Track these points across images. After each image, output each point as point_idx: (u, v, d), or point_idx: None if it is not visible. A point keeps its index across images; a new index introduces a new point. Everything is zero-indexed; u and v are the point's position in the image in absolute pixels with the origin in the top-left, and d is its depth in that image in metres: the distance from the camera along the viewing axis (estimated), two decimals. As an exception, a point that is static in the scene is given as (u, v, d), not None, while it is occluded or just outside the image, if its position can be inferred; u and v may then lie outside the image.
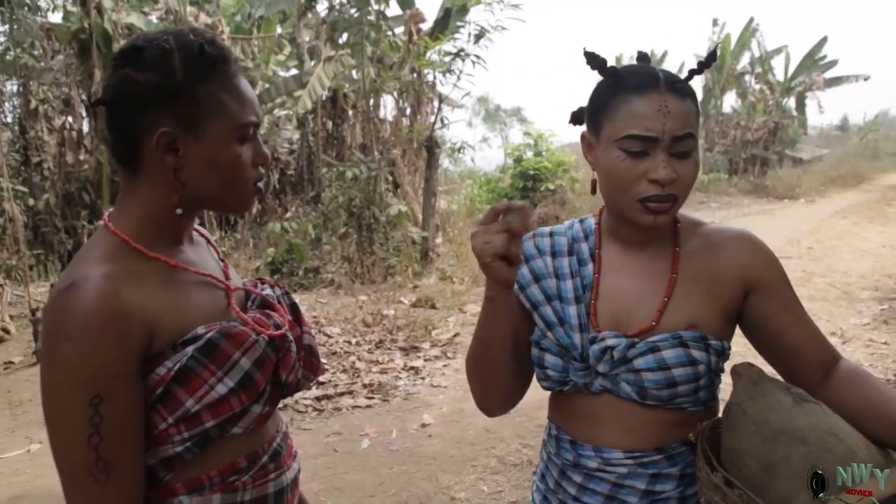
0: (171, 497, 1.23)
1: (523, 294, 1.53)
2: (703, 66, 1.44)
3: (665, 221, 1.40)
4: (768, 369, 1.43)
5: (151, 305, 1.17)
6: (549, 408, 1.62)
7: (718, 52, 1.44)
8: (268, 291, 1.46)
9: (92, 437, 1.10)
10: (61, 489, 1.14)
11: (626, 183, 1.38)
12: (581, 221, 1.60)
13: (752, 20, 23.57)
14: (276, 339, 1.31)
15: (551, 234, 1.58)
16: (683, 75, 1.44)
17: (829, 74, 24.20)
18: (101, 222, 1.27)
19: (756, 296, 1.45)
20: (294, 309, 1.46)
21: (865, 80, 24.05)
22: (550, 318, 1.48)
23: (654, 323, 1.42)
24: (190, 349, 1.19)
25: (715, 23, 24.57)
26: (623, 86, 1.39)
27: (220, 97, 1.23)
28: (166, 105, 1.20)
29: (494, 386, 1.52)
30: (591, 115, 1.46)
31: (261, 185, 1.34)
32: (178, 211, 1.26)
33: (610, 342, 1.41)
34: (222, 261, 1.44)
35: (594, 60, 1.44)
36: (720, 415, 1.49)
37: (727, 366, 1.46)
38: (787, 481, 1.21)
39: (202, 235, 1.46)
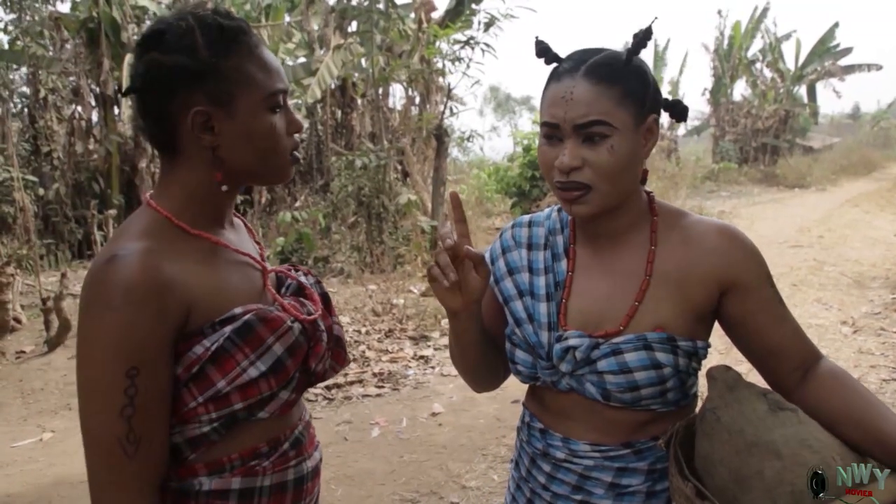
0: (191, 477, 1.24)
1: (497, 287, 1.52)
2: (637, 46, 1.35)
3: (583, 212, 1.36)
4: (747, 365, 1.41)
5: (191, 282, 1.19)
6: (527, 395, 1.61)
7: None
8: (302, 279, 1.46)
9: (125, 408, 1.11)
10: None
11: (544, 168, 1.38)
12: (559, 210, 1.55)
13: (756, 8, 23.49)
14: (308, 327, 1.31)
15: (530, 224, 1.56)
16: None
17: (842, 63, 24.02)
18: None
19: (733, 295, 1.39)
20: (325, 298, 1.46)
21: (878, 69, 23.86)
22: (520, 315, 1.46)
23: (621, 327, 1.38)
24: (227, 330, 1.19)
25: (720, 13, 24.57)
26: (553, 73, 1.37)
27: (247, 69, 1.23)
28: (196, 84, 1.21)
29: (475, 375, 1.56)
30: None
31: (297, 153, 1.34)
32: (224, 188, 1.27)
33: (572, 342, 1.38)
34: (258, 243, 1.45)
35: (538, 47, 1.42)
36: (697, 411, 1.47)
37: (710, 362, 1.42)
38: (759, 496, 1.19)
39: (239, 219, 1.47)
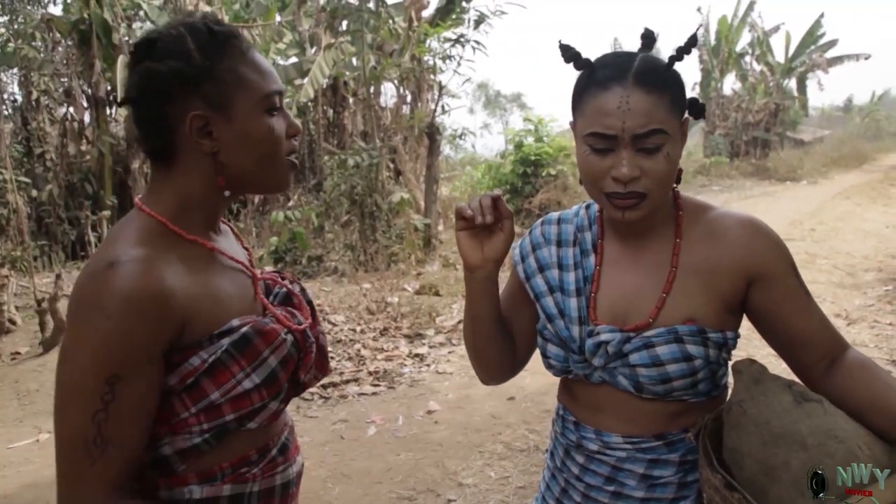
0: (181, 486, 1.24)
1: (528, 284, 1.55)
2: (682, 52, 1.37)
3: (635, 217, 1.37)
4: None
5: (190, 293, 1.18)
6: (559, 388, 1.64)
7: (700, 36, 1.35)
8: (290, 287, 1.46)
9: (98, 412, 1.11)
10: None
11: (593, 177, 1.37)
12: (587, 208, 1.58)
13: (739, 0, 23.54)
14: (299, 337, 1.31)
15: (559, 222, 1.58)
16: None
17: (830, 54, 24.10)
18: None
19: (758, 286, 1.40)
20: (310, 306, 1.46)
21: (866, 59, 23.95)
22: (551, 311, 1.49)
23: (650, 319, 1.41)
24: (225, 342, 1.20)
25: (699, 10, 24.58)
26: (593, 80, 1.35)
27: (241, 71, 1.23)
28: (192, 88, 1.20)
29: (483, 357, 1.58)
30: (571, 107, 1.44)
31: (295, 158, 1.33)
32: (227, 193, 1.27)
33: (604, 337, 1.41)
34: (246, 249, 1.45)
35: (567, 53, 1.41)
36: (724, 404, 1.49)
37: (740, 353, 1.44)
38: (786, 487, 1.21)
39: (226, 225, 1.46)
